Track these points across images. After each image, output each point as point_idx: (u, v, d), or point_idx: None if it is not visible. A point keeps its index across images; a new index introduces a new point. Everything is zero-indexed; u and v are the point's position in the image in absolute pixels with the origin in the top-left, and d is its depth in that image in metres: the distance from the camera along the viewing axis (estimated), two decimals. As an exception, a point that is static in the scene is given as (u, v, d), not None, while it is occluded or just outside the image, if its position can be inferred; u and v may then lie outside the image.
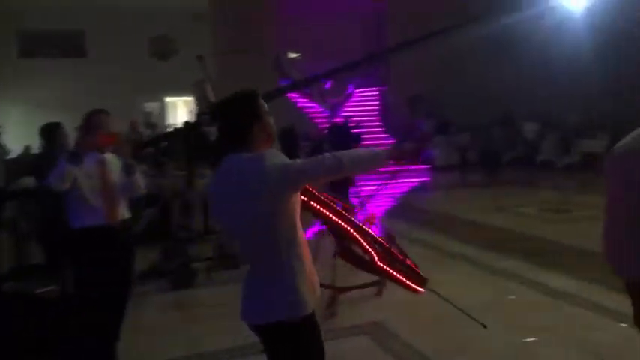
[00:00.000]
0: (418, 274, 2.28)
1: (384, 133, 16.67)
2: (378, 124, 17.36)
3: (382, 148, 2.09)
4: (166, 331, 4.53)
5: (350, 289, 4.76)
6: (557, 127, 14.57)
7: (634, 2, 11.67)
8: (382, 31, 16.88)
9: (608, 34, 12.38)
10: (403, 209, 10.76)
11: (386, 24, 16.87)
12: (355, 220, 2.25)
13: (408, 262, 2.29)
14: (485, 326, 2.56)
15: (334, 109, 16.92)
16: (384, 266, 2.21)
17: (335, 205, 2.23)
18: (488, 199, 10.68)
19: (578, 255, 6.10)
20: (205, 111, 5.71)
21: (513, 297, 4.86)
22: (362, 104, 18.81)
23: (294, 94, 17.45)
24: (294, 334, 1.98)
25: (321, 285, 4.72)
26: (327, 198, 2.26)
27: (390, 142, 15.39)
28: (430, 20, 13.85)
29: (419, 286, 2.27)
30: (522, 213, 8.85)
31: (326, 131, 6.70)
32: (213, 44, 14.91)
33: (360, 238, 2.22)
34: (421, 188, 13.32)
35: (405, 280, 2.23)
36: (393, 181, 13.28)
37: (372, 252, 2.23)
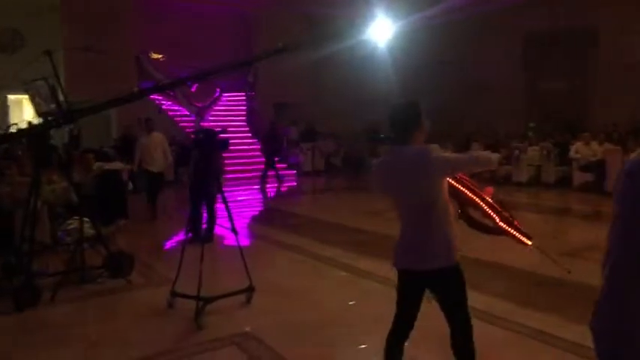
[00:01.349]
0: (524, 232, 2.95)
1: (251, 137, 16.67)
2: (244, 128, 17.28)
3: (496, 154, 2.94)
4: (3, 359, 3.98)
5: (217, 298, 4.60)
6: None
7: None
8: (250, 36, 16.81)
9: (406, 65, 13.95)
10: (272, 214, 10.77)
11: (255, 30, 16.84)
12: (480, 193, 2.96)
13: (517, 222, 2.95)
14: (569, 271, 3.31)
15: (201, 113, 16.45)
16: (503, 226, 2.92)
17: (466, 182, 2.96)
18: (355, 203, 11.13)
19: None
20: (54, 111, 5.15)
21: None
22: (229, 109, 18.52)
23: (158, 97, 16.65)
24: (455, 274, 2.80)
25: (187, 296, 4.54)
26: (461, 177, 2.96)
27: (257, 146, 15.28)
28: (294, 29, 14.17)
29: (528, 240, 2.95)
30: (391, 217, 9.25)
31: (192, 136, 6.43)
32: (65, 39, 13.65)
33: (484, 206, 2.94)
34: (288, 193, 13.48)
35: (518, 236, 2.93)
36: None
37: (494, 215, 2.92)
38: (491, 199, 2.93)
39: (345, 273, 5.96)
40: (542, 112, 15.14)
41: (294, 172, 15.23)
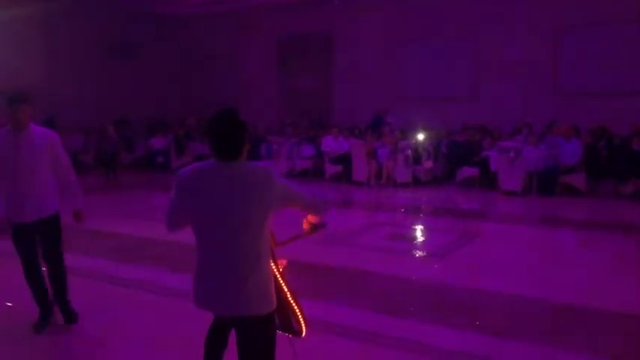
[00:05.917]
0: (299, 323, 2.65)
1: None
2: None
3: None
4: None
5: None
6: (171, 130, 14.95)
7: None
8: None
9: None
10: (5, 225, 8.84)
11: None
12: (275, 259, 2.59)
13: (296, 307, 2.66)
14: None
15: None
16: (290, 300, 2.62)
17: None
18: (112, 204, 10.08)
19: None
20: None
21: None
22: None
23: None
24: (267, 324, 2.38)
25: None
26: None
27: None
28: None
29: (301, 331, 2.64)
30: (153, 217, 8.51)
31: None
32: None
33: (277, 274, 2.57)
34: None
35: (298, 316, 2.65)
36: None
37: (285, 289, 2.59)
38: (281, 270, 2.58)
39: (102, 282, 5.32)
40: (295, 108, 16.16)
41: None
